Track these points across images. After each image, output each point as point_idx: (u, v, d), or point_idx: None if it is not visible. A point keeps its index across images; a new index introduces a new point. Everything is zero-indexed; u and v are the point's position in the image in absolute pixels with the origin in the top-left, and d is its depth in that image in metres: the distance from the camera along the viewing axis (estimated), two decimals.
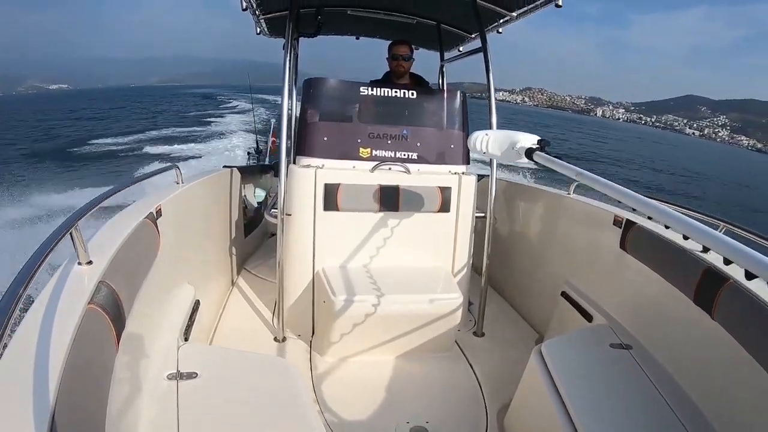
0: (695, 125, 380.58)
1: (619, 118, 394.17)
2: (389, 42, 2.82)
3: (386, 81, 2.85)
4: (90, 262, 1.24)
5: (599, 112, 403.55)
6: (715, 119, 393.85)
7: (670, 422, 1.46)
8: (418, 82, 2.88)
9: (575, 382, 1.60)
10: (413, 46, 2.80)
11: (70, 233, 1.19)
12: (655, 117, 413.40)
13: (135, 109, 41.28)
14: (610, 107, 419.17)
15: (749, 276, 0.91)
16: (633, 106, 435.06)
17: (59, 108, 44.54)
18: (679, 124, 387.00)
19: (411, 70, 2.85)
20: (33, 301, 1.04)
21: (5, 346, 0.82)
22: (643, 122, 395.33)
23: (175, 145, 18.99)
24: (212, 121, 27.23)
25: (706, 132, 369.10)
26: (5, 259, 4.59)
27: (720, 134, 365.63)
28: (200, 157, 15.80)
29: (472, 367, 2.33)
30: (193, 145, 19.23)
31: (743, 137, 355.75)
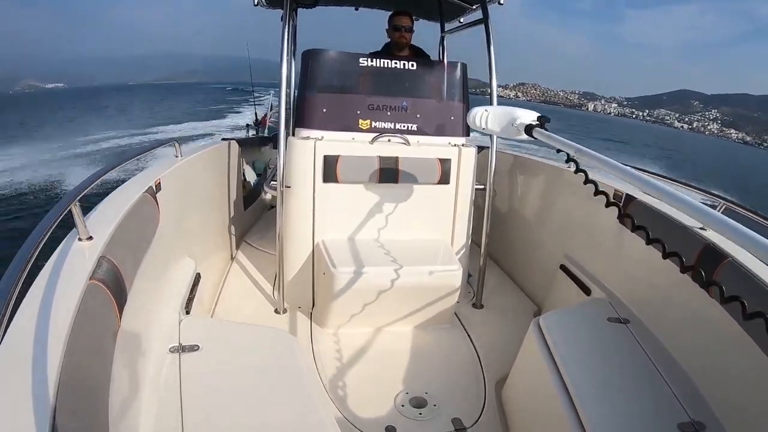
0: (686, 119, 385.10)
1: (610, 113, 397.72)
2: (389, 13, 2.81)
3: (386, 53, 2.84)
4: (90, 238, 1.24)
5: (591, 106, 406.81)
6: (706, 113, 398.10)
7: (665, 396, 1.47)
8: (418, 54, 2.88)
9: (572, 355, 1.61)
10: (413, 17, 2.79)
11: (70, 209, 1.19)
12: (647, 111, 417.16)
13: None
14: (603, 102, 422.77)
15: (724, 300, 0.80)
16: (626, 100, 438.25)
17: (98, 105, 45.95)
18: (670, 118, 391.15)
19: (411, 42, 2.83)
20: (35, 278, 1.05)
21: (9, 322, 0.83)
22: (634, 116, 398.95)
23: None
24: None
25: (695, 126, 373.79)
26: None
27: (709, 128, 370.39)
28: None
29: (471, 339, 2.36)
30: None
31: (733, 130, 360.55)
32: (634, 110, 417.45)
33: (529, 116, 1.35)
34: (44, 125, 25.14)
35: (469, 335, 2.41)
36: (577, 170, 1.17)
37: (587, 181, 1.17)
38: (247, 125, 7.95)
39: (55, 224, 1.09)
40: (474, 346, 2.32)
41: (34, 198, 10.11)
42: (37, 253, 0.96)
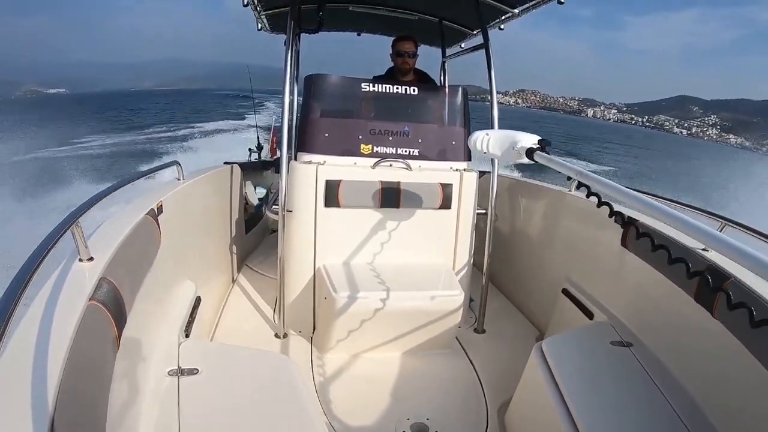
0: (685, 125, 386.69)
1: (609, 119, 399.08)
2: (392, 38, 2.84)
3: (390, 77, 2.87)
4: (91, 259, 1.24)
5: (590, 113, 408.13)
6: (705, 119, 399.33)
7: (670, 420, 1.46)
8: (422, 79, 2.90)
9: (576, 380, 1.60)
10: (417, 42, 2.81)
11: (71, 229, 1.19)
12: (646, 117, 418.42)
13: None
14: (602, 108, 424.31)
15: (732, 307, 0.87)
16: (626, 106, 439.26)
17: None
18: (669, 124, 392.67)
19: (415, 67, 2.85)
20: (34, 298, 1.05)
21: (6, 343, 0.82)
22: (633, 122, 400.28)
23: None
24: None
25: (693, 131, 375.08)
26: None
27: (708, 133, 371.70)
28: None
29: (472, 364, 2.35)
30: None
31: (731, 136, 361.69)
32: (633, 116, 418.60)
33: (530, 140, 1.36)
34: (93, 124, 30.28)
35: (470, 360, 2.40)
36: (580, 185, 1.20)
37: (590, 193, 1.19)
38: (249, 149, 8.00)
39: (55, 244, 1.10)
40: (476, 372, 2.31)
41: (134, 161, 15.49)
42: (37, 272, 0.96)
